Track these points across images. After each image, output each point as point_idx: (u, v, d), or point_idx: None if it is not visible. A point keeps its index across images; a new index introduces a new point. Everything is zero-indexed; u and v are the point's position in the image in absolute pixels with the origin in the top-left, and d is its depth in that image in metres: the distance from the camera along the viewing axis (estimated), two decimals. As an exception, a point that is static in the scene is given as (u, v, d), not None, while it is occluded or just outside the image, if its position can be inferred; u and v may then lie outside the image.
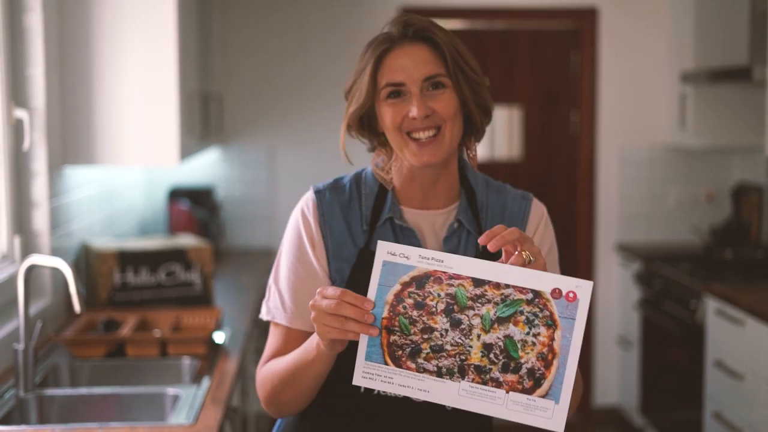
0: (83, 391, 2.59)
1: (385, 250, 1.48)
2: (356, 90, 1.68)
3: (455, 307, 1.45)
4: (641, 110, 5.26)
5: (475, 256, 1.62)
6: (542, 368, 1.43)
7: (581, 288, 1.43)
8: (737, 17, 4.61)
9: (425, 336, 1.45)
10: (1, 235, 2.92)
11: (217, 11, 4.90)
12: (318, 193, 1.75)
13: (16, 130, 2.98)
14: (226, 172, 5.12)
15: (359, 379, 1.47)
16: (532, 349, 1.43)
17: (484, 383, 1.43)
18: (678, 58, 5.01)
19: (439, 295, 1.46)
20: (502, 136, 5.37)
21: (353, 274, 1.68)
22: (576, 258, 5.29)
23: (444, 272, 1.46)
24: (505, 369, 1.43)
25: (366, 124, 1.71)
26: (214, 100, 4.50)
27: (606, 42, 5.22)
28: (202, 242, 3.56)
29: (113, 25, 3.28)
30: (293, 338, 1.70)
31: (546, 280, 1.44)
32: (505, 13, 5.20)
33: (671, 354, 4.43)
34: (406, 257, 1.47)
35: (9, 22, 2.95)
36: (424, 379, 1.45)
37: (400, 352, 1.45)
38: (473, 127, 1.72)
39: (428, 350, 1.45)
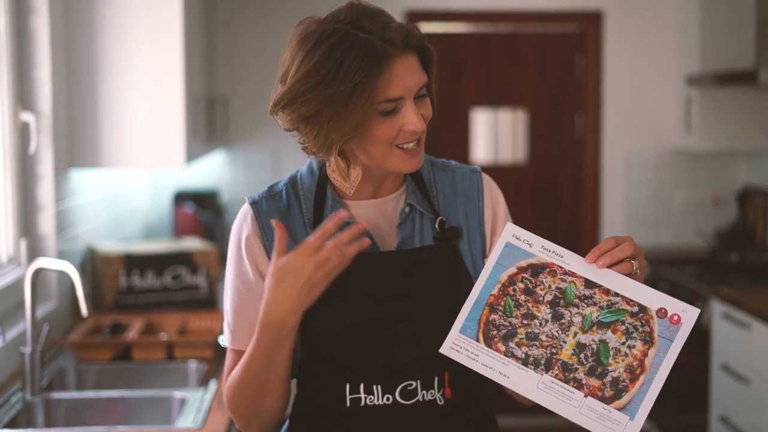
0: (90, 394, 2.59)
1: (511, 233, 1.50)
2: (342, 105, 1.47)
3: (561, 301, 1.46)
4: (647, 113, 5.26)
5: (433, 238, 1.62)
6: (627, 381, 1.42)
7: (687, 313, 1.45)
8: (743, 20, 4.61)
9: (525, 321, 1.46)
10: (7, 239, 2.91)
11: (222, 14, 4.90)
12: (254, 204, 1.64)
13: (23, 133, 2.98)
14: (231, 175, 5.12)
15: (447, 349, 1.46)
16: (623, 360, 1.43)
17: (566, 381, 1.42)
18: (684, 61, 5.00)
19: (549, 287, 1.47)
20: (506, 139, 5.37)
21: None
22: (581, 261, 5.27)
23: (561, 267, 1.48)
24: (591, 372, 1.43)
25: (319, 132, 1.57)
26: (219, 103, 4.50)
27: (611, 45, 5.21)
28: (208, 245, 3.56)
29: (119, 28, 3.28)
30: None
31: (655, 298, 1.45)
32: (510, 17, 5.20)
33: (677, 357, 4.41)
34: (530, 244, 1.49)
35: (15, 25, 2.95)
36: (508, 364, 1.44)
37: (494, 332, 1.46)
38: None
39: (523, 336, 1.45)
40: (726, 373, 3.95)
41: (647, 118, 5.26)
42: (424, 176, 1.68)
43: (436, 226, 1.63)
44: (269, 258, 1.60)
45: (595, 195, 5.30)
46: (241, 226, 1.64)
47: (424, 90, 1.56)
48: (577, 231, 5.34)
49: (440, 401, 1.60)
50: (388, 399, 1.58)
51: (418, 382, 1.58)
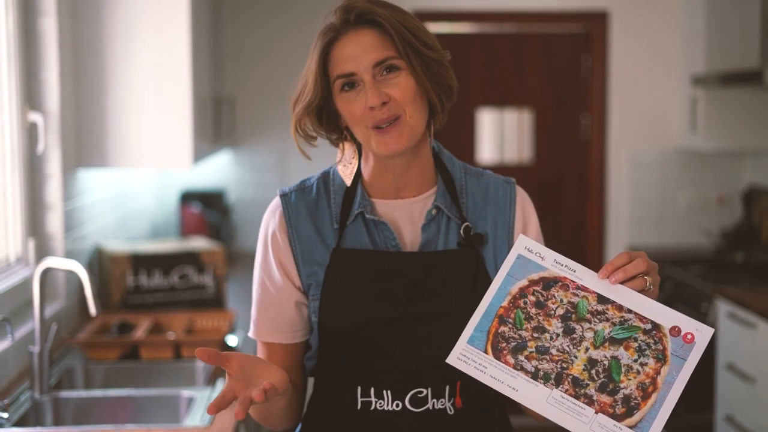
0: (98, 393, 2.60)
1: (523, 245, 1.49)
2: (305, 86, 1.59)
3: (573, 315, 1.44)
4: (652, 113, 5.26)
5: (458, 243, 1.62)
6: (639, 398, 1.40)
7: (701, 332, 1.43)
8: (748, 20, 4.60)
9: (535, 335, 1.44)
10: (15, 238, 2.93)
11: (230, 15, 4.91)
12: (284, 196, 1.69)
13: (30, 133, 2.99)
14: (238, 175, 5.13)
15: (454, 360, 1.44)
16: (634, 377, 1.41)
17: (576, 397, 1.40)
18: (689, 61, 5.01)
19: (561, 301, 1.45)
20: (512, 139, 5.37)
21: (328, 276, 1.61)
22: (586, 261, 5.28)
23: (573, 281, 1.46)
24: (602, 389, 1.41)
25: (325, 121, 1.64)
26: (226, 103, 4.51)
27: (616, 45, 5.22)
28: (215, 245, 3.57)
29: (127, 29, 3.29)
30: (273, 352, 1.66)
31: (668, 316, 1.43)
32: (515, 17, 5.21)
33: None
34: (542, 257, 1.48)
35: (23, 26, 2.96)
36: (518, 378, 1.42)
37: (503, 344, 1.44)
38: (433, 108, 1.61)
39: (533, 349, 1.43)
40: (731, 373, 3.96)
41: (652, 118, 5.26)
42: (455, 181, 1.68)
43: (461, 231, 1.63)
44: (293, 251, 1.64)
45: (600, 195, 5.30)
46: (269, 220, 1.69)
47: (398, 65, 1.55)
48: (583, 231, 5.34)
49: (450, 410, 1.60)
50: (397, 405, 1.58)
51: (429, 389, 1.58)
